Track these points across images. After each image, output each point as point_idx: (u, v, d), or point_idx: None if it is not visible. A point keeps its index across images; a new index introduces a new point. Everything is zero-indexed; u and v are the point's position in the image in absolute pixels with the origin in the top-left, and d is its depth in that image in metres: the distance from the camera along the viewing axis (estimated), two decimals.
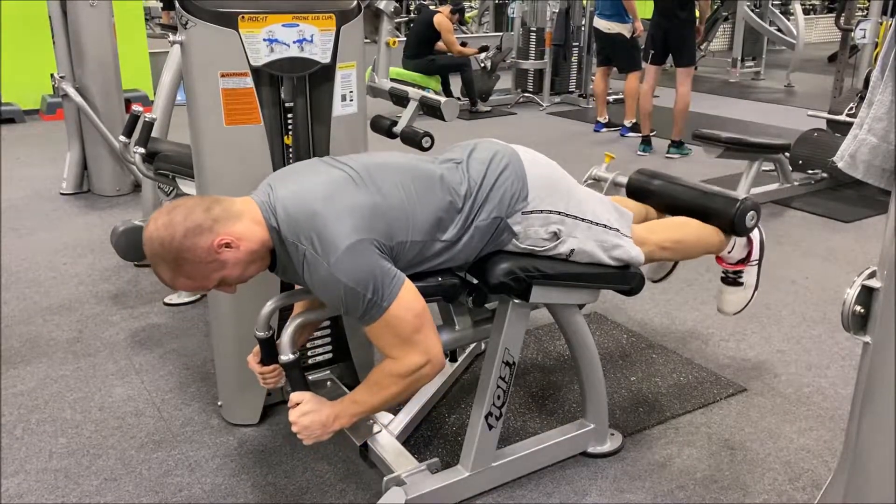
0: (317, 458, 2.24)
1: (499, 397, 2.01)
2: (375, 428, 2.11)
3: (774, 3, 9.73)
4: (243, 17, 1.99)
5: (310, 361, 2.44)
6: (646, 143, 6.01)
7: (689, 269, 3.65)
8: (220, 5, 1.99)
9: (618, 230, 2.02)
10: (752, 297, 2.46)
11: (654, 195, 2.42)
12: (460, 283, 1.90)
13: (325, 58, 2.12)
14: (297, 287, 2.00)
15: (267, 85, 2.10)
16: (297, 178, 1.75)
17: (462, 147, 1.98)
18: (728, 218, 2.26)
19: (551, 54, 7.87)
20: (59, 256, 3.79)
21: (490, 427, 2.01)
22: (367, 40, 2.55)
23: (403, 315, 1.66)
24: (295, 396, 1.79)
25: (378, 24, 2.99)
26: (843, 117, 5.02)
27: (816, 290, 3.43)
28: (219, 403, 2.45)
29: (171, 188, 3.29)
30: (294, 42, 2.06)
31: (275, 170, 2.15)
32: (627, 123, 6.55)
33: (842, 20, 6.21)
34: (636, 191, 2.46)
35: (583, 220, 1.95)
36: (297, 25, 2.05)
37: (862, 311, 1.13)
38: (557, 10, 7.74)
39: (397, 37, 3.22)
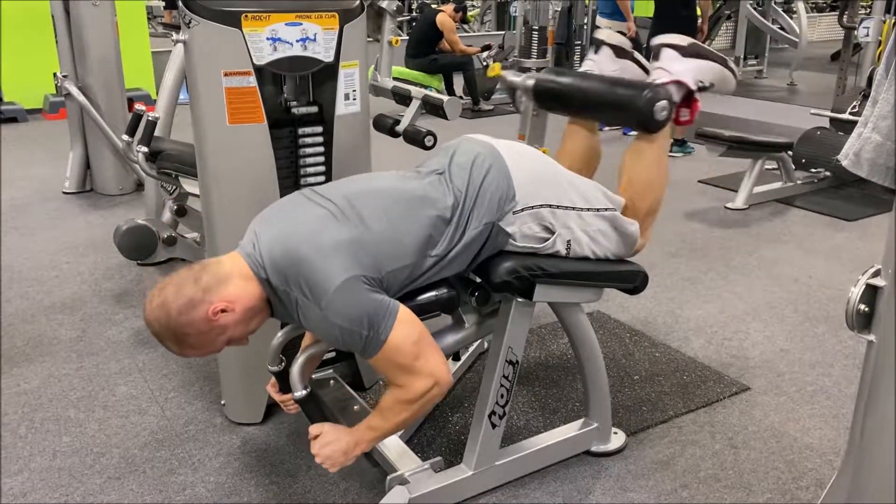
0: None
1: (502, 396, 2.01)
2: None
3: (777, 1, 9.71)
4: (246, 16, 1.99)
5: None
6: None
7: (692, 267, 3.65)
8: (224, 4, 2.00)
9: (607, 209, 1.97)
10: (722, 68, 2.19)
11: (563, 96, 2.23)
12: (457, 293, 1.90)
13: (328, 57, 2.12)
14: None
15: (270, 84, 2.10)
16: (279, 221, 1.74)
17: (444, 151, 1.95)
18: (636, 110, 1.99)
19: (553, 53, 7.86)
20: (62, 255, 3.80)
21: (493, 426, 2.01)
22: (370, 39, 2.55)
23: (402, 344, 1.67)
24: (314, 429, 1.81)
25: (381, 23, 2.98)
26: (846, 116, 5.01)
27: (820, 288, 3.43)
28: (222, 402, 2.45)
29: (174, 187, 3.30)
30: (297, 41, 2.06)
31: (277, 170, 2.16)
32: None
33: (845, 18, 6.20)
34: (544, 93, 2.27)
35: (573, 208, 1.91)
36: (301, 24, 2.05)
37: (866, 309, 1.13)
38: (559, 9, 7.74)
39: (400, 35, 3.22)
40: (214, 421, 2.43)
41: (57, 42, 4.66)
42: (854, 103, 5.06)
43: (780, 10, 9.57)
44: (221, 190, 2.16)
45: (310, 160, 2.22)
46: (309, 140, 2.21)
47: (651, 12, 5.73)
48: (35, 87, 6.98)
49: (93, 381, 2.66)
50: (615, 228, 1.99)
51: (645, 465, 2.21)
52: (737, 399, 2.54)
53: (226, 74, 2.02)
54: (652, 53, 2.21)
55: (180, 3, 2.01)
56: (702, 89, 2.11)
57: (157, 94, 3.92)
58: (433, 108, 2.80)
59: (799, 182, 4.85)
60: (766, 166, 4.73)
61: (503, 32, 9.92)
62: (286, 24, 2.03)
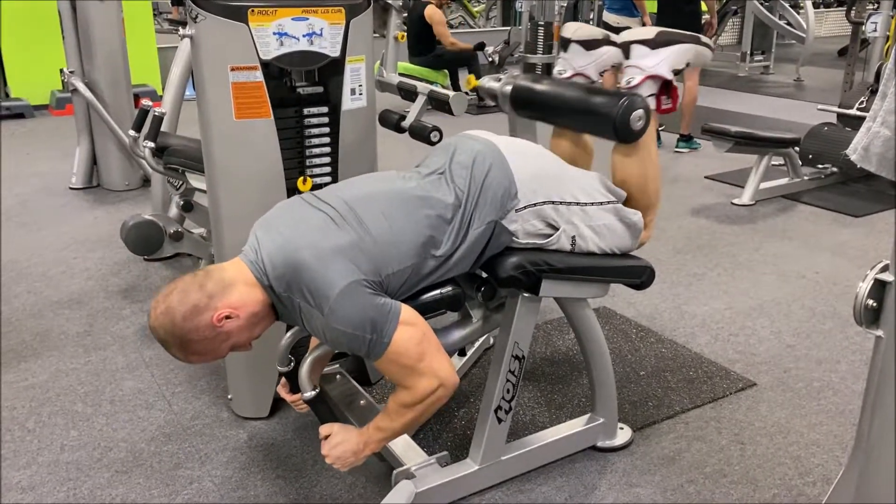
0: None
1: (508, 391, 2.01)
2: None
3: None
4: (253, 11, 1.99)
5: None
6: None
7: (699, 263, 3.65)
8: None
9: (610, 201, 1.96)
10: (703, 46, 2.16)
11: (539, 103, 2.21)
12: (462, 291, 1.89)
13: (334, 51, 2.12)
14: None
15: (276, 78, 2.10)
16: (280, 227, 1.74)
17: (443, 149, 1.94)
18: (611, 120, 1.94)
19: (559, 49, 7.84)
20: (69, 251, 3.81)
21: (499, 421, 2.02)
22: (376, 34, 2.55)
23: (405, 346, 1.67)
24: (324, 429, 1.83)
25: (387, 18, 2.98)
26: (853, 111, 4.99)
27: (826, 284, 3.42)
28: (229, 397, 2.46)
29: (181, 182, 3.31)
30: (304, 36, 2.06)
31: (284, 165, 2.16)
32: None
33: (852, 13, 6.18)
34: (521, 100, 2.25)
35: (576, 203, 1.90)
36: (307, 19, 2.05)
37: (874, 304, 1.13)
38: (566, 5, 7.73)
39: (405, 31, 3.21)
40: (221, 415, 2.44)
41: (63, 38, 4.67)
42: (861, 99, 5.04)
43: (786, 5, 9.52)
44: (228, 185, 2.16)
45: (316, 150, 2.22)
46: (315, 130, 2.20)
47: (655, 8, 5.70)
48: (42, 84, 7.01)
49: (100, 375, 2.67)
50: (620, 220, 1.98)
51: (651, 461, 2.21)
52: (743, 395, 2.54)
53: (232, 69, 2.03)
54: (622, 51, 2.18)
55: None
56: (677, 72, 2.10)
57: (163, 89, 3.93)
58: (439, 104, 2.80)
59: (806, 178, 4.83)
60: (773, 162, 4.72)
61: (509, 28, 9.90)
62: (293, 19, 2.03)
